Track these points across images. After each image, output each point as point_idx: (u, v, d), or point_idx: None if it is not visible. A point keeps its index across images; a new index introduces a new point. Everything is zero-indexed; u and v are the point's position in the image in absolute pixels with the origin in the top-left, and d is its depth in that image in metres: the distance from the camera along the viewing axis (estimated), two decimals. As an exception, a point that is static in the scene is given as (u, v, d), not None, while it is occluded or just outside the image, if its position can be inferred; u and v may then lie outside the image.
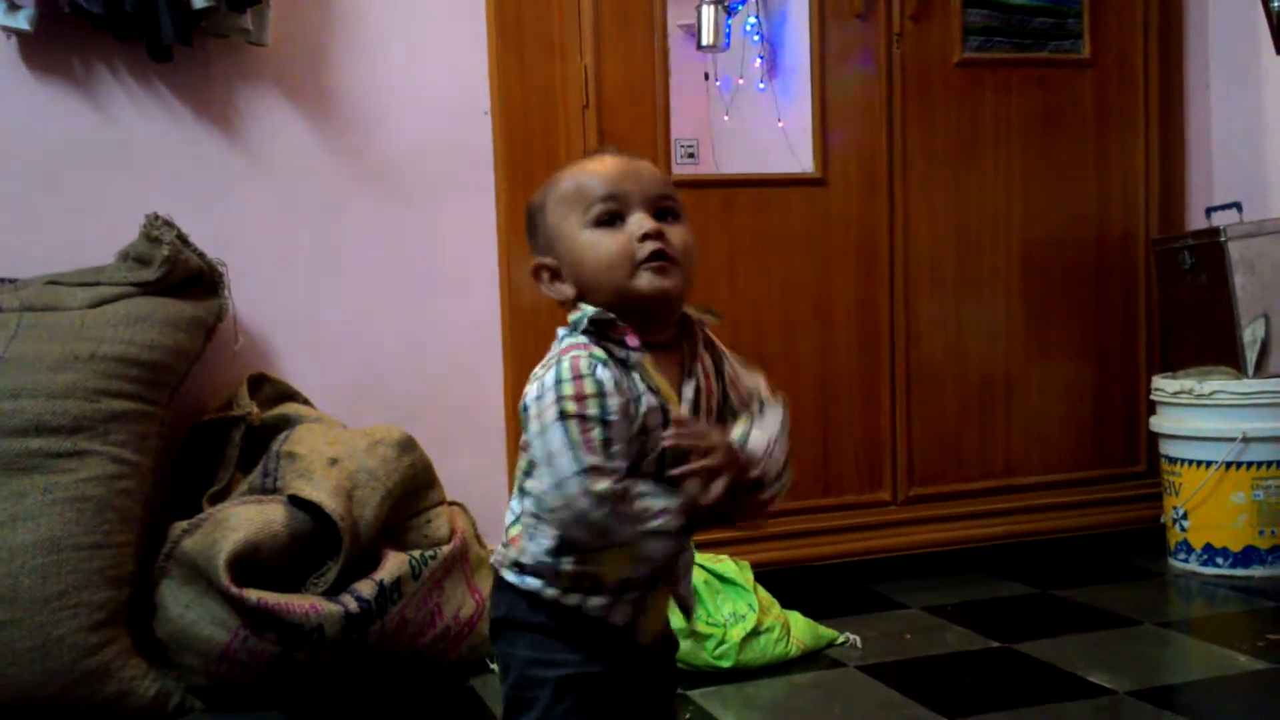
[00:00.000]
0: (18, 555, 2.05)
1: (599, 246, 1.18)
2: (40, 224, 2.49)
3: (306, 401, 2.60)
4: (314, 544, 2.23)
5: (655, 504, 1.13)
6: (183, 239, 2.40)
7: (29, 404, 2.14)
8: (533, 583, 1.22)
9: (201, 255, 2.43)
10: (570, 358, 1.14)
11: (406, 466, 2.38)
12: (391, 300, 2.73)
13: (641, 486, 1.13)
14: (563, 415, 1.11)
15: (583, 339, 1.17)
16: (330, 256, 2.69)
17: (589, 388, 1.12)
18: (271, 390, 2.58)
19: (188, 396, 2.44)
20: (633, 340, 1.17)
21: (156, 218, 2.38)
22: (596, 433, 1.11)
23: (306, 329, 2.68)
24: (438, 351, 2.74)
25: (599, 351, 1.15)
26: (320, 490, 2.20)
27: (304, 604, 2.14)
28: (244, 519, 2.18)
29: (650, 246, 1.17)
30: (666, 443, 1.15)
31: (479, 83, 2.75)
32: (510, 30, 2.72)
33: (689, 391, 1.21)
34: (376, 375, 2.72)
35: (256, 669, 2.16)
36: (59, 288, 2.34)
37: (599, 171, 1.21)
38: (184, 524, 2.23)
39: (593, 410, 1.12)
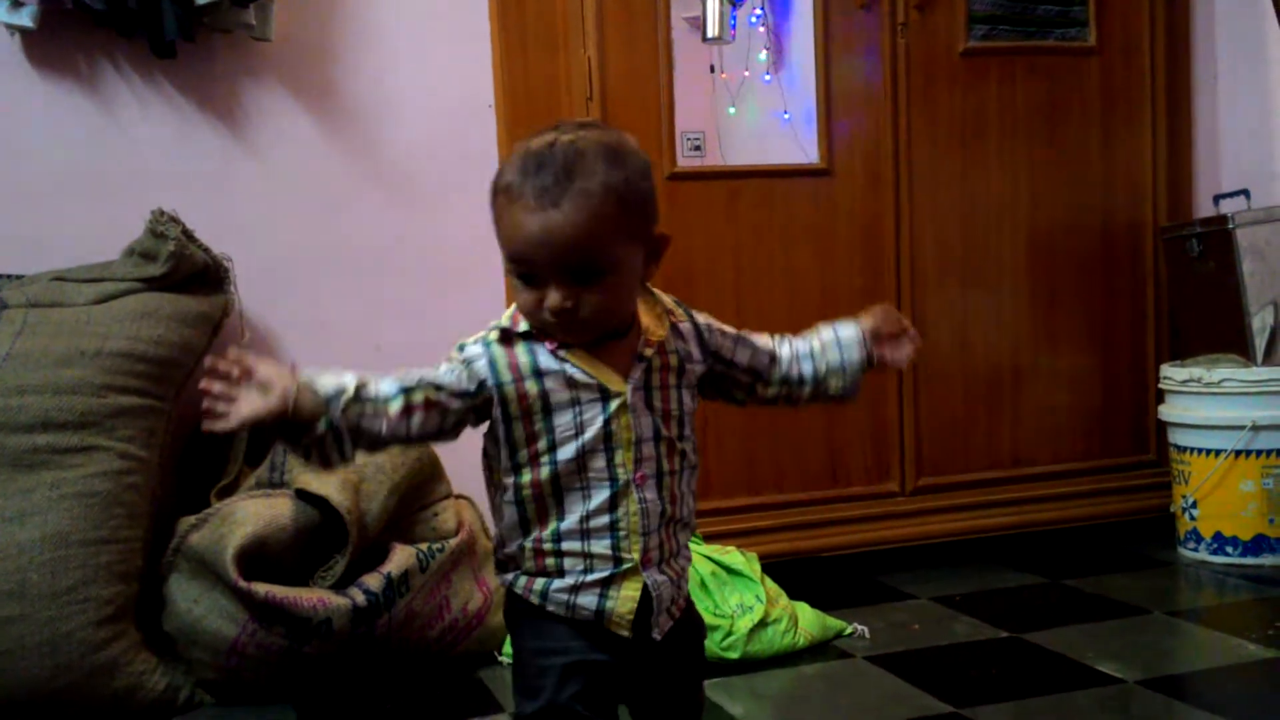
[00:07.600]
0: (26, 551, 2.06)
1: (518, 293, 1.23)
2: (45, 220, 2.49)
3: (313, 396, 2.60)
4: (321, 538, 2.24)
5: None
6: (188, 234, 2.40)
7: (35, 400, 2.14)
8: (508, 576, 1.29)
9: (207, 251, 2.43)
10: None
11: (413, 460, 2.38)
12: (397, 295, 2.73)
13: None
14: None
15: (504, 322, 1.27)
16: (335, 251, 2.69)
17: (454, 353, 1.33)
18: (278, 385, 2.58)
19: (194, 391, 2.43)
20: (549, 345, 1.24)
21: (162, 213, 2.38)
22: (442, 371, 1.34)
23: (312, 324, 2.67)
24: (443, 345, 2.71)
25: (492, 335, 1.28)
26: (327, 484, 2.21)
27: (312, 597, 2.14)
28: (251, 513, 2.19)
29: (555, 321, 1.20)
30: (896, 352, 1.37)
31: (483, 77, 2.75)
32: (513, 23, 2.71)
33: (637, 372, 1.24)
34: (382, 370, 2.71)
35: (265, 662, 2.16)
36: (65, 284, 2.35)
37: (515, 225, 1.19)
38: (192, 519, 2.24)
39: (442, 366, 1.35)
